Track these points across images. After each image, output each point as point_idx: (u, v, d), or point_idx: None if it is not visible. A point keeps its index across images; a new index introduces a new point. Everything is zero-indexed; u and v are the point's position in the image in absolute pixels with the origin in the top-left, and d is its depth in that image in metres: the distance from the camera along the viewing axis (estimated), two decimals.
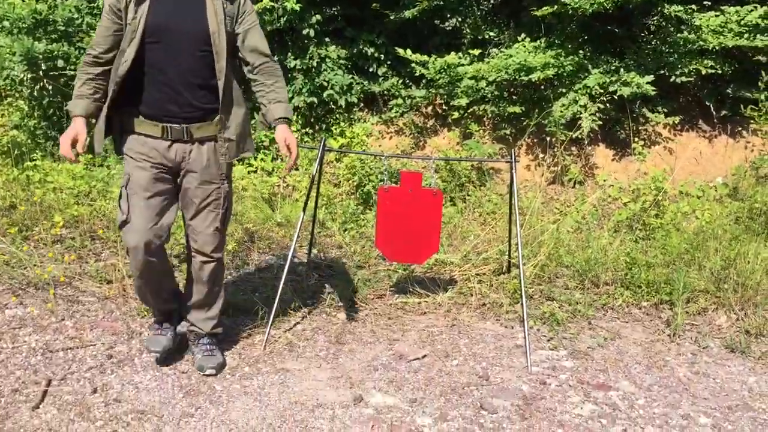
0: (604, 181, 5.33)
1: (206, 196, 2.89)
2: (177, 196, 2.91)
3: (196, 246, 2.96)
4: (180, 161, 2.84)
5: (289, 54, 5.67)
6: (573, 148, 5.53)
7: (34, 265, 3.90)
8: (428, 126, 5.88)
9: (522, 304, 3.36)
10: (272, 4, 5.35)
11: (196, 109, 2.80)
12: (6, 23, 5.51)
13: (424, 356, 3.28)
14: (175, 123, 2.78)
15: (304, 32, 5.60)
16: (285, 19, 5.48)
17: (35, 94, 5.37)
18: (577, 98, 5.16)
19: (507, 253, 4.08)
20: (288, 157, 2.89)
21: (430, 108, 5.97)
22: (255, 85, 2.92)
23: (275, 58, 2.93)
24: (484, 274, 4.13)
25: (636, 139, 5.45)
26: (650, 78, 5.00)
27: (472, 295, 3.90)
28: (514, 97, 5.64)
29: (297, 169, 5.41)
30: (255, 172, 5.39)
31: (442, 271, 4.20)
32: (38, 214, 4.47)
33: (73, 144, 2.71)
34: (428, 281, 4.02)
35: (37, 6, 5.41)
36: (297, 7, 5.31)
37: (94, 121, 2.83)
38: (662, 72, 5.29)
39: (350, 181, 5.25)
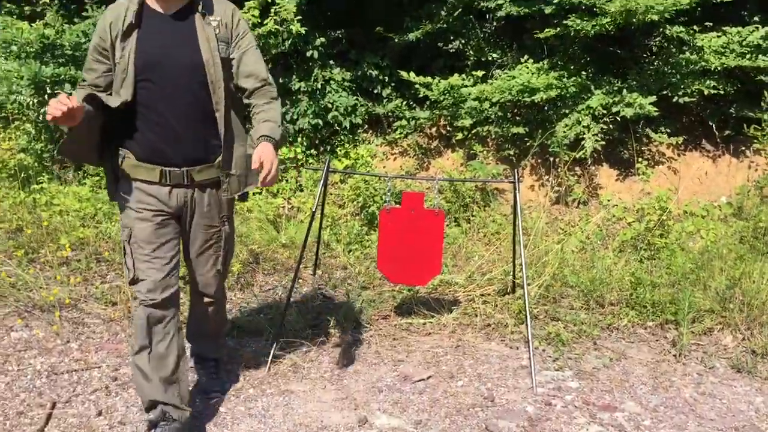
0: (608, 201, 5.34)
1: (207, 239, 2.74)
2: (180, 235, 2.73)
3: (197, 287, 2.86)
4: (181, 206, 2.64)
5: (294, 76, 5.72)
6: (577, 168, 5.54)
7: (40, 288, 3.91)
8: (432, 147, 5.91)
9: (527, 324, 3.35)
10: (277, 27, 5.41)
11: (196, 150, 2.59)
12: (14, 48, 5.59)
13: (429, 377, 3.27)
14: (174, 166, 2.56)
15: (309, 54, 5.65)
16: (290, 42, 5.54)
17: (42, 117, 5.42)
18: (580, 119, 5.19)
19: (511, 273, 4.08)
20: (260, 172, 2.44)
21: (434, 129, 6.00)
22: (250, 109, 2.68)
23: (272, 81, 2.68)
24: (489, 294, 4.13)
25: (640, 159, 5.46)
26: (653, 99, 5.02)
27: (476, 315, 3.89)
28: (517, 117, 5.67)
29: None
30: (260, 193, 5.42)
31: (446, 292, 4.20)
32: (44, 237, 4.49)
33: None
34: (433, 302, 4.01)
35: (45, 31, 5.48)
36: (302, 30, 5.36)
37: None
38: (665, 93, 5.31)
39: (355, 202, 5.27)
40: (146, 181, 2.58)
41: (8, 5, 6.40)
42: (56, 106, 2.18)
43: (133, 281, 2.58)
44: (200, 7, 2.54)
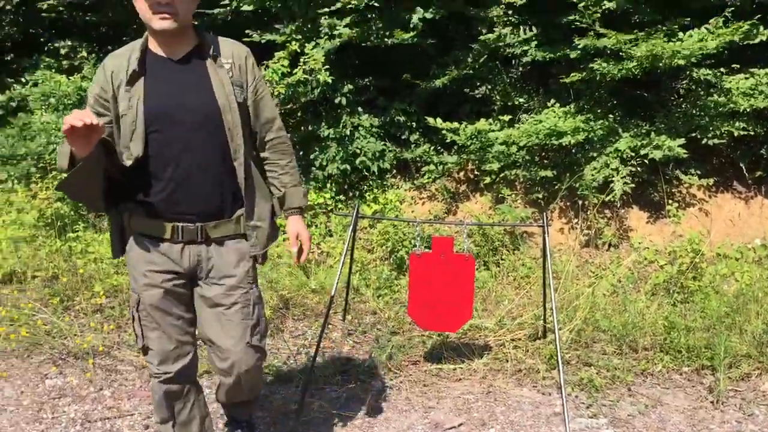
0: (639, 243, 5.29)
1: (231, 304, 2.39)
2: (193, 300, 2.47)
3: (224, 366, 2.44)
4: (195, 266, 2.38)
5: (323, 123, 5.82)
6: (606, 211, 5.51)
7: (75, 335, 3.97)
8: (460, 191, 5.94)
9: (559, 370, 3.31)
10: (306, 76, 5.52)
11: (212, 203, 2.37)
12: (52, 100, 5.78)
13: (460, 425, 3.23)
14: (187, 222, 2.34)
15: (337, 102, 5.75)
16: (318, 90, 5.65)
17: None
18: (609, 162, 5.18)
19: (542, 317, 4.05)
20: (297, 251, 2.54)
21: (461, 173, 6.03)
22: (266, 164, 2.54)
23: (287, 132, 2.57)
24: (520, 339, 4.09)
25: (670, 201, 5.42)
26: (682, 141, 5.00)
27: (507, 360, 3.86)
28: (545, 161, 5.68)
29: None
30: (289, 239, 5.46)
31: (476, 337, 4.17)
32: (79, 284, 4.57)
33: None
34: (463, 347, 3.99)
35: (82, 84, 5.67)
36: (329, 79, 5.47)
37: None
38: (694, 135, 5.29)
39: (384, 247, 5.29)
40: (156, 238, 2.35)
41: (47, 59, 6.64)
42: (78, 116, 1.98)
43: (144, 350, 2.42)
44: (211, 50, 2.35)
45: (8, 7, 6.71)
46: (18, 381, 3.60)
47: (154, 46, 2.31)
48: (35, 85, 6.18)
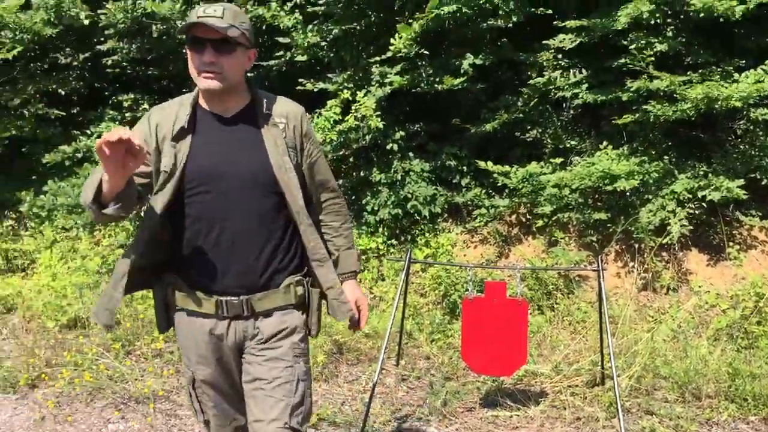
0: (700, 287, 5.15)
1: (273, 378, 2.18)
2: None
3: None
4: (242, 340, 2.23)
5: (374, 169, 5.90)
6: (663, 254, 5.40)
7: (136, 380, 4.06)
8: (512, 234, 5.91)
9: (618, 418, 3.23)
10: (357, 123, 5.63)
11: (258, 273, 2.19)
12: None
13: None
14: (231, 295, 2.17)
15: (389, 148, 5.83)
16: (370, 136, 5.75)
17: (140, 215, 5.76)
18: (665, 204, 5.10)
19: (600, 363, 3.97)
20: (353, 316, 2.32)
21: (513, 216, 6.01)
22: (323, 227, 2.38)
23: (339, 191, 2.43)
24: (577, 385, 4.01)
25: (731, 244, 5.29)
26: (741, 182, 4.90)
27: (565, 408, 3.78)
28: (599, 203, 5.62)
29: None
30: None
31: (532, 383, 4.11)
32: (140, 329, 4.69)
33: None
34: (518, 393, 3.93)
35: None
36: (380, 125, 5.56)
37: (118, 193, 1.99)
38: (753, 175, 5.18)
39: (436, 291, 5.28)
40: (200, 314, 2.21)
41: (111, 112, 6.93)
42: (117, 132, 1.80)
43: (205, 424, 2.36)
44: (264, 108, 2.22)
45: (75, 63, 7.07)
46: (82, 425, 3.69)
47: (204, 102, 2.21)
48: (99, 136, 6.44)
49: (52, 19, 6.59)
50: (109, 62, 6.71)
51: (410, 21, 5.41)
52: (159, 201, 2.13)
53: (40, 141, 7.01)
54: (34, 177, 6.97)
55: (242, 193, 2.14)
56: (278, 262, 2.21)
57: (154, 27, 6.17)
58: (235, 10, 2.11)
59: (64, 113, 7.01)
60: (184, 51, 5.26)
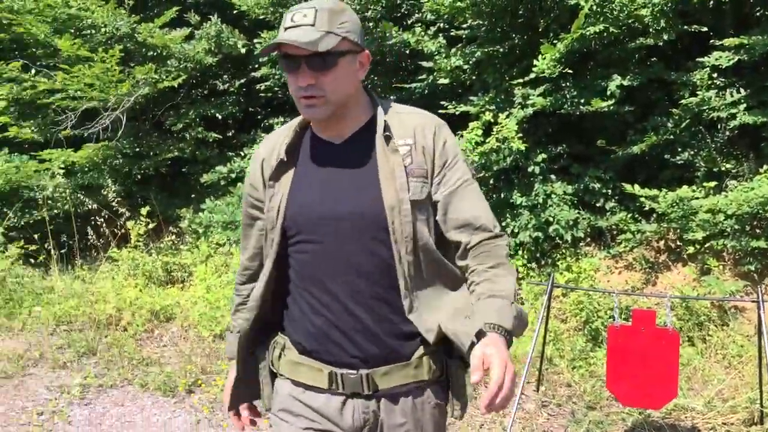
0: None
1: None
2: None
3: None
4: (360, 426, 1.73)
5: (515, 191, 5.86)
6: None
7: None
8: (660, 261, 5.66)
9: None
10: (499, 144, 5.63)
11: (379, 342, 1.71)
12: None
13: None
14: (348, 367, 1.72)
15: (530, 170, 5.78)
16: (511, 158, 5.72)
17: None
18: None
19: (758, 401, 3.71)
20: (484, 385, 1.87)
21: (661, 242, 5.76)
22: (468, 275, 1.72)
23: (499, 231, 1.73)
24: (732, 423, 3.77)
25: None
26: None
27: None
28: (758, 230, 5.27)
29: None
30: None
31: (682, 418, 3.91)
32: None
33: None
34: (668, 428, 3.75)
35: None
36: (523, 147, 5.53)
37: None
38: None
39: (577, 317, 5.15)
40: (310, 387, 1.76)
41: (263, 135, 7.37)
42: (238, 425, 1.93)
43: None
44: (383, 128, 1.71)
45: (232, 89, 7.60)
46: (234, 431, 3.91)
47: (314, 125, 1.78)
48: (250, 158, 6.87)
49: (212, 48, 7.14)
50: (262, 87, 7.16)
51: (554, 42, 5.36)
52: (269, 258, 1.78)
53: (199, 162, 7.59)
54: (193, 195, 7.53)
55: (351, 242, 1.68)
56: (407, 327, 1.71)
57: None
58: (331, 8, 1.62)
59: (220, 136, 7.55)
60: None
